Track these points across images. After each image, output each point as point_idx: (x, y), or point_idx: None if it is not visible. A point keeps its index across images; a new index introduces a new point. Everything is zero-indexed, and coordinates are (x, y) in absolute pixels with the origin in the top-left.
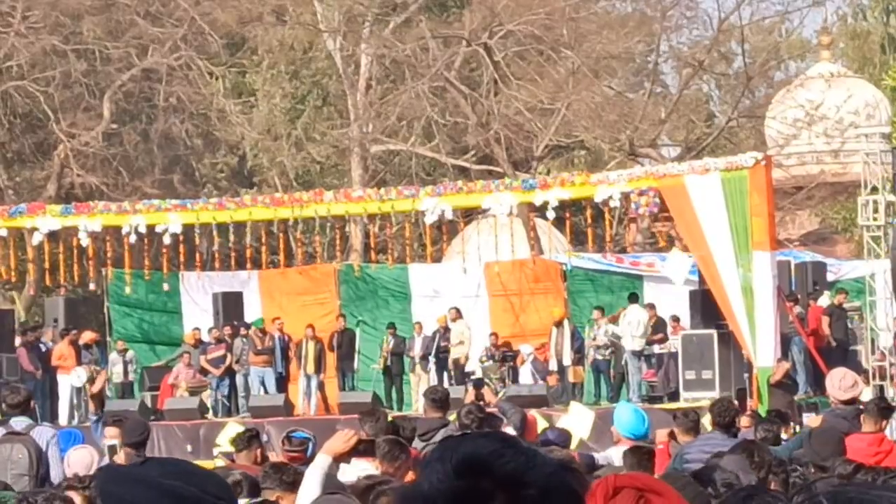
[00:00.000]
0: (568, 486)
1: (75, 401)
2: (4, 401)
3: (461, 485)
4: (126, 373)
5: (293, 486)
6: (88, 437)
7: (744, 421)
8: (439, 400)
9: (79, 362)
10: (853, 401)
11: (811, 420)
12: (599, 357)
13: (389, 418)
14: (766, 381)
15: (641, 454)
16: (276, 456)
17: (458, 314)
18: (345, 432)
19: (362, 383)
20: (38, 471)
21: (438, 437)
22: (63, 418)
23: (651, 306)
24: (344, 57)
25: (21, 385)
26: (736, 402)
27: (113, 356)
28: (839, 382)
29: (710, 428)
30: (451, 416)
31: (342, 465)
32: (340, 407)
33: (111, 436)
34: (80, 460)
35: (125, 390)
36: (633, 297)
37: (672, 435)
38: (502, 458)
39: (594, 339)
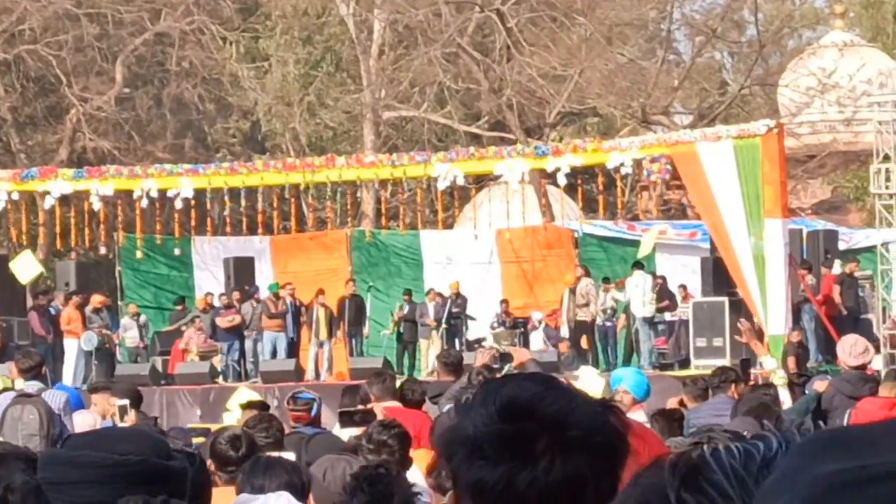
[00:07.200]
0: (611, 426)
1: (83, 364)
2: (17, 365)
3: (505, 428)
4: (141, 337)
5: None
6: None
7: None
8: (452, 364)
9: (85, 326)
10: (863, 367)
11: (818, 384)
12: (608, 324)
13: (398, 382)
14: (779, 348)
15: (672, 419)
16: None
17: (586, 272)
18: None
19: (372, 349)
20: (50, 431)
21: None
22: (67, 382)
23: (656, 276)
24: (357, 22)
25: (33, 350)
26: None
27: (126, 321)
28: (850, 349)
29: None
30: None
31: (337, 428)
32: (351, 372)
33: (98, 402)
34: (84, 423)
35: (139, 355)
36: (638, 264)
37: (682, 403)
38: (544, 400)
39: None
